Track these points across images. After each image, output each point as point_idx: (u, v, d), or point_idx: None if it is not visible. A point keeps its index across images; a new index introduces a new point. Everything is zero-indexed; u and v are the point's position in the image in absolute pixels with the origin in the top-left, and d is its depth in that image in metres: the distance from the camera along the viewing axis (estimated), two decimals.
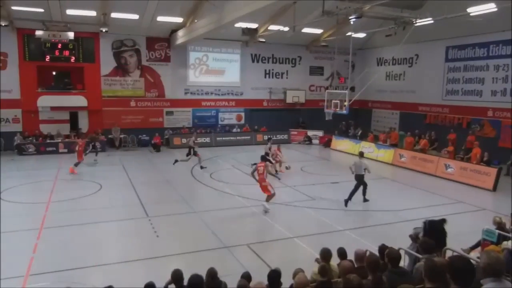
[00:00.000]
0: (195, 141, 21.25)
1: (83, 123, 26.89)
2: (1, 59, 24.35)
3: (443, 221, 8.07)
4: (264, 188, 14.13)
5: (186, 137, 28.10)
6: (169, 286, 6.22)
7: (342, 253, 7.11)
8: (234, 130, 30.53)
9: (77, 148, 19.99)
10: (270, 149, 19.42)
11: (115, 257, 10.18)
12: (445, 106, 26.46)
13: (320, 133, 30.56)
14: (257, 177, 14.29)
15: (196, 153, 20.64)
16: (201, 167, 20.61)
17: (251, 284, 5.91)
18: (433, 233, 7.15)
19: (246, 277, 6.32)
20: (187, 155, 20.70)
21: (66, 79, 26.52)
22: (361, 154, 15.98)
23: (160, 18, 24.95)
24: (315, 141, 30.49)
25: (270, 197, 14.08)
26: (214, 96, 30.60)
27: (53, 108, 25.70)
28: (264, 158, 14.95)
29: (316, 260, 6.93)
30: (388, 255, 5.67)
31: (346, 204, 14.57)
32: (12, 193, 16.05)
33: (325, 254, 6.73)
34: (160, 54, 28.41)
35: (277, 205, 14.79)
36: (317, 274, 6.20)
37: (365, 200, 15.16)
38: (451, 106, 25.98)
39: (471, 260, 6.08)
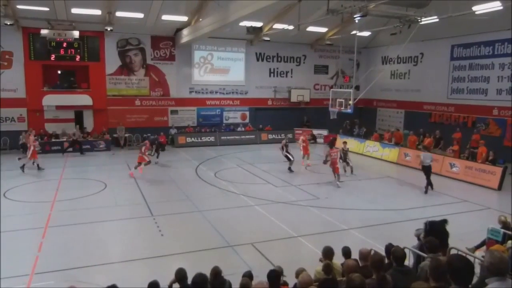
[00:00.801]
0: (287, 144, 21.21)
1: (88, 122, 26.96)
2: (6, 58, 24.48)
3: (444, 221, 8.02)
4: (337, 169, 17.78)
5: (191, 136, 28.18)
6: (173, 285, 6.23)
7: (346, 252, 7.11)
8: (239, 129, 30.52)
9: (143, 150, 19.82)
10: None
11: (120, 256, 10.21)
12: (450, 104, 26.35)
13: (324, 132, 30.53)
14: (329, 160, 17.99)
15: (287, 156, 20.62)
16: (289, 170, 20.53)
17: (253, 282, 5.91)
18: (434, 234, 7.11)
19: (248, 276, 6.33)
20: (288, 159, 20.59)
21: (71, 78, 26.62)
22: (425, 148, 18.59)
23: (165, 17, 24.97)
24: (320, 140, 30.43)
25: (339, 176, 17.79)
26: (219, 95, 30.60)
27: (58, 107, 25.78)
28: (331, 145, 19.19)
29: (320, 259, 6.92)
30: (393, 253, 5.66)
31: (426, 191, 16.88)
32: (18, 192, 16.12)
33: (327, 253, 6.72)
34: (165, 53, 28.45)
35: (282, 204, 14.84)
36: (320, 273, 6.20)
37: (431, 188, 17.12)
38: (456, 104, 25.87)
39: (476, 259, 6.08)
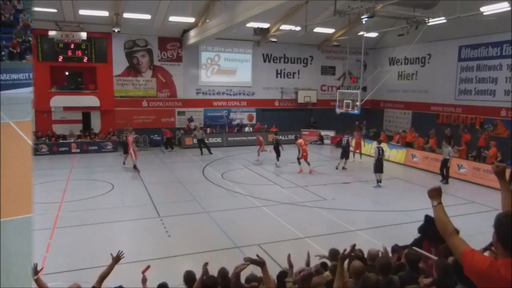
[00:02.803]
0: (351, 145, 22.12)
1: (96, 123, 27.08)
2: None
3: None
4: None
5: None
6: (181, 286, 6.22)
7: (335, 254, 7.04)
8: (246, 129, 30.50)
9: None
10: None
11: (127, 257, 10.08)
12: (458, 106, 26.20)
13: (331, 133, 30.46)
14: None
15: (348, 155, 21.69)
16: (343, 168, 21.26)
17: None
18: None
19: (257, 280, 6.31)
20: (347, 158, 21.45)
21: (78, 79, 26.71)
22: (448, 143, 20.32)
23: (172, 18, 25.03)
24: (327, 141, 30.36)
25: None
26: (226, 96, 30.63)
27: (66, 108, 25.89)
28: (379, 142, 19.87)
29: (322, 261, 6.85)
30: (407, 257, 5.62)
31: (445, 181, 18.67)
32: None
33: (334, 255, 6.69)
34: (172, 54, 28.52)
35: (289, 205, 14.83)
36: (328, 276, 6.18)
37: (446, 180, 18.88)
38: (464, 106, 25.73)
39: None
